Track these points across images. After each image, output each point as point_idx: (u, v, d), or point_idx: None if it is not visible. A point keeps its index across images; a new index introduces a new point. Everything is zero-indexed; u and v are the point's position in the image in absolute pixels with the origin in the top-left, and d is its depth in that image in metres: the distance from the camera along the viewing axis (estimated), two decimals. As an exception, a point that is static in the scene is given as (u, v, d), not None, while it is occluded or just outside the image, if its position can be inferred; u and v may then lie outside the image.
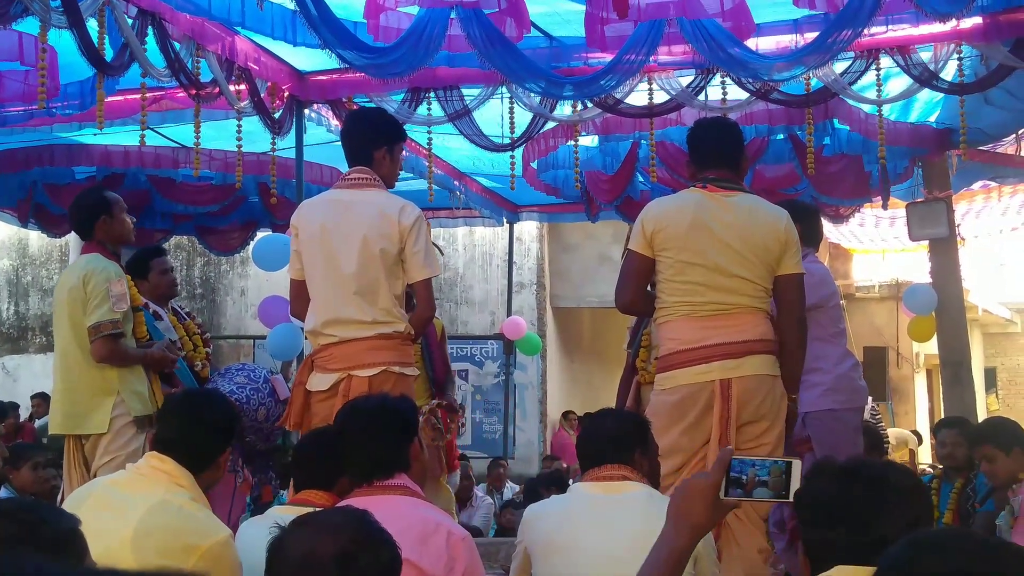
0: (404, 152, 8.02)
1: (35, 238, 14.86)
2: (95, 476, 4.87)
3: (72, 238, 10.78)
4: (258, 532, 3.42)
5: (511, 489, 10.73)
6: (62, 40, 5.24)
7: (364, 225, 4.44)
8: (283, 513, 3.23)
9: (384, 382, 4.35)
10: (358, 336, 4.41)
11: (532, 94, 6.53)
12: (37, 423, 10.20)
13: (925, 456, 14.41)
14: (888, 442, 13.01)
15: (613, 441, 3.48)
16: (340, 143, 4.81)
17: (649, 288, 4.39)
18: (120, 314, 5.12)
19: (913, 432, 15.14)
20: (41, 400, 10.12)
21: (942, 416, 9.63)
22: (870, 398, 7.57)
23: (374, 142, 4.64)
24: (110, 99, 6.21)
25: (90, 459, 5.15)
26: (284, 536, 2.16)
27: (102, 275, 5.13)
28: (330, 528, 2.14)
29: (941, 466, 6.58)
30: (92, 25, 5.06)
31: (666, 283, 4.23)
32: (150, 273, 6.08)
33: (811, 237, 5.59)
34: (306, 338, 4.85)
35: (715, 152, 4.36)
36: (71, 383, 5.20)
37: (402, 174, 8.43)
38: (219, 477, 3.24)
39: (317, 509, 3.14)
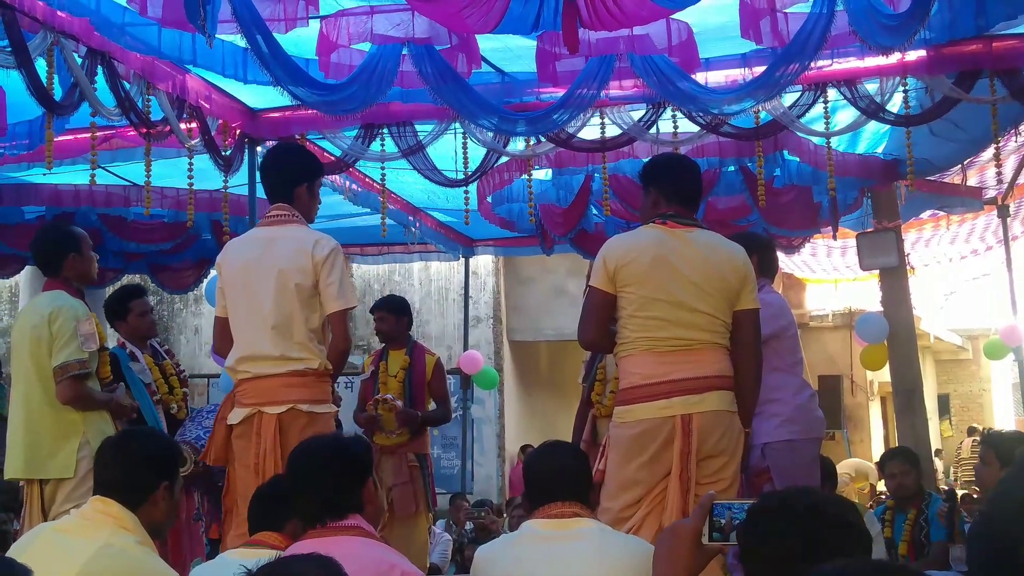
0: (356, 186, 8.16)
1: (-16, 278, 14.65)
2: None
3: (23, 278, 10.62)
4: (210, 577, 3.38)
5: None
6: (10, 80, 5.19)
7: (281, 260, 4.47)
8: (235, 557, 3.18)
9: (294, 420, 4.36)
10: (271, 372, 4.43)
11: (485, 130, 6.55)
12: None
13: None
14: (848, 474, 13.10)
15: (567, 478, 3.46)
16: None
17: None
18: (88, 354, 4.97)
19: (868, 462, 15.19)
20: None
21: (897, 443, 9.69)
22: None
23: (295, 179, 4.66)
24: (60, 138, 6.14)
25: (48, 504, 4.91)
26: None
27: (70, 313, 4.97)
28: None
29: (893, 498, 6.58)
30: (41, 65, 5.00)
31: (628, 318, 4.23)
32: (129, 314, 5.98)
33: (766, 268, 5.63)
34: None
35: (675, 189, 4.39)
36: (33, 425, 4.97)
37: (357, 209, 8.54)
38: (160, 515, 3.13)
39: (272, 551, 3.11)
